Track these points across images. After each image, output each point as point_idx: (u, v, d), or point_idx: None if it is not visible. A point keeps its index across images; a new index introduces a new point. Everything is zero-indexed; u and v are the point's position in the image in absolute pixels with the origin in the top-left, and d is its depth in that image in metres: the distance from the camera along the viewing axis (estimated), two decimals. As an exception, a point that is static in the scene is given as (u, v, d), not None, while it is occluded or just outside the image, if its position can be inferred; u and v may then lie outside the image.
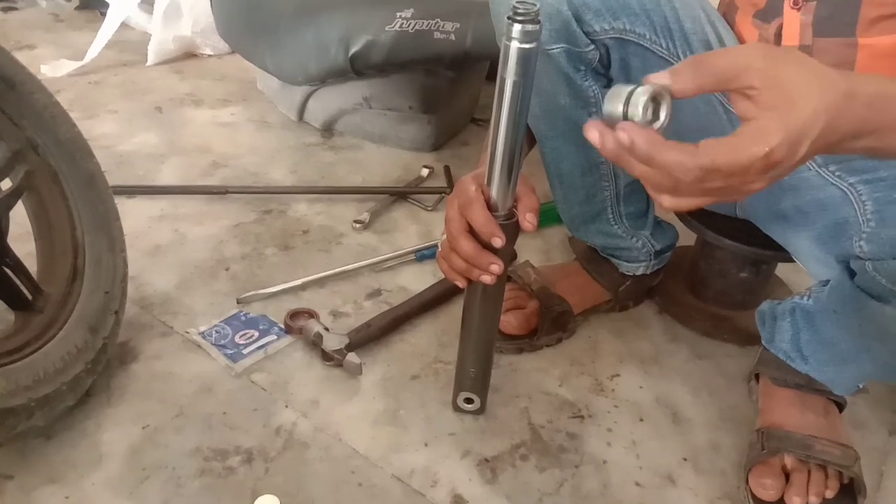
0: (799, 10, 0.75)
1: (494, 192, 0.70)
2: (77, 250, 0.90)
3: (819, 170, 0.76)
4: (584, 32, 0.79)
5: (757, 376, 0.94)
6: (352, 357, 0.95)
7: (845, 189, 0.73)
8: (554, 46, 0.80)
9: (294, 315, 1.03)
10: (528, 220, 0.71)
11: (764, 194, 0.84)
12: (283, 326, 1.02)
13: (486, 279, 0.73)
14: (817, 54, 0.76)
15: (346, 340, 0.97)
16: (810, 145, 0.48)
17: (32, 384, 0.75)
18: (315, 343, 0.98)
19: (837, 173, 0.74)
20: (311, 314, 1.04)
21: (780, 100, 0.47)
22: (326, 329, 0.99)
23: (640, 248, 1.04)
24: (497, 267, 0.72)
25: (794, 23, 0.77)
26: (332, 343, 0.97)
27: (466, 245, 0.72)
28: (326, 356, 0.97)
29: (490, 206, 0.71)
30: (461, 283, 0.77)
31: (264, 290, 1.09)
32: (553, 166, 0.94)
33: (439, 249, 0.77)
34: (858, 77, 0.52)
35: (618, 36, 0.79)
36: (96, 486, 0.79)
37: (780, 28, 0.78)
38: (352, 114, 1.60)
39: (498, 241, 0.70)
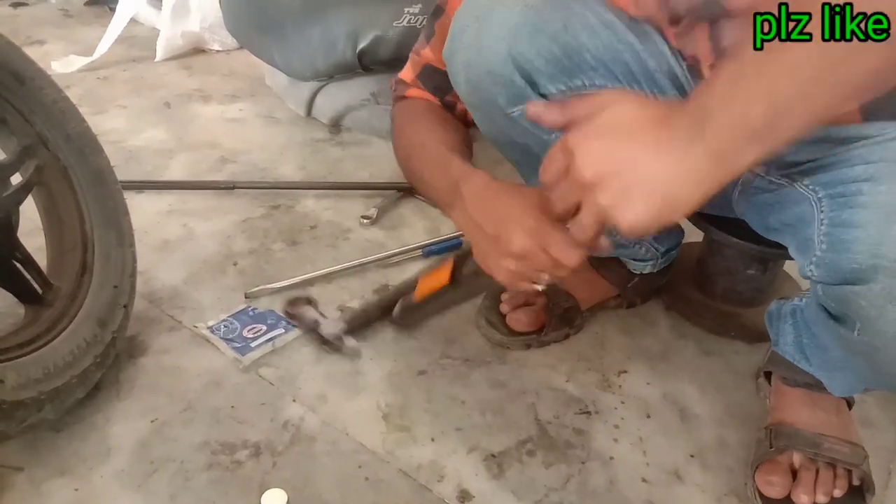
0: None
1: None
2: (86, 245, 0.91)
3: (795, 184, 0.72)
4: (541, 95, 0.76)
5: (767, 375, 0.93)
6: (350, 342, 0.96)
7: (814, 204, 0.68)
8: (514, 109, 0.77)
9: (293, 303, 1.05)
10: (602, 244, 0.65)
11: (752, 210, 0.83)
12: (290, 320, 1.03)
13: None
14: None
15: (344, 326, 0.99)
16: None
17: (42, 377, 0.75)
18: (313, 329, 0.99)
19: (810, 186, 0.69)
20: (310, 301, 1.05)
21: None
22: (324, 315, 1.00)
23: (644, 253, 1.03)
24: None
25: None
26: (330, 329, 0.98)
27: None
28: (324, 342, 0.98)
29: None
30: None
31: (272, 284, 1.09)
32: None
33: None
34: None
35: (577, 93, 0.76)
36: (105, 479, 0.79)
37: None
38: (359, 110, 1.60)
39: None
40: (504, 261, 0.71)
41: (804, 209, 0.70)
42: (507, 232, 0.69)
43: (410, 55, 0.96)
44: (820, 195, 0.68)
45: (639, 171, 0.54)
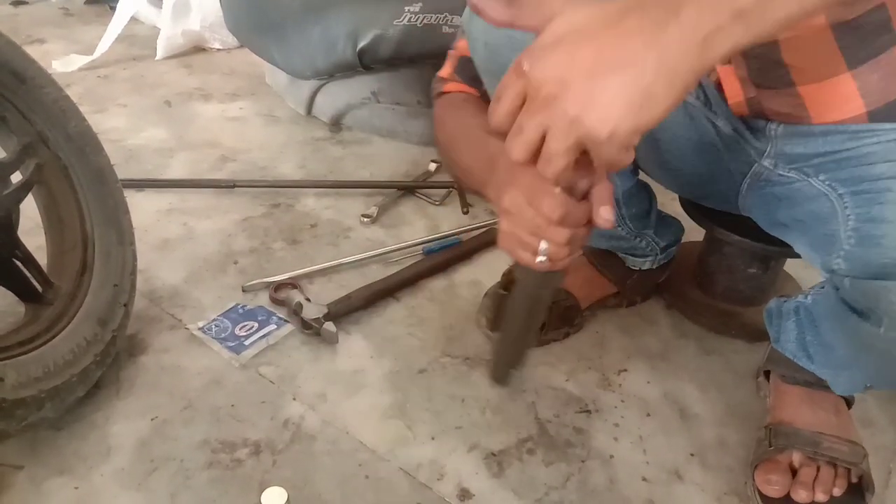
0: (730, 62, 0.74)
1: None
2: (86, 243, 0.91)
3: (810, 179, 0.73)
4: None
5: (766, 373, 0.93)
6: (329, 326, 0.98)
7: (834, 200, 0.68)
8: None
9: (278, 288, 1.07)
10: (602, 214, 0.58)
11: (759, 204, 0.83)
12: (281, 316, 1.04)
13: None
14: (766, 102, 0.75)
15: (325, 310, 1.00)
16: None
17: (42, 376, 0.76)
18: (296, 312, 1.01)
19: (828, 182, 0.70)
20: (294, 285, 1.07)
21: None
22: (308, 299, 1.02)
23: (644, 247, 1.03)
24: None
25: (729, 76, 0.76)
26: (311, 312, 1.00)
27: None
28: (306, 325, 0.99)
29: None
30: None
31: (270, 278, 1.10)
32: None
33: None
34: None
35: None
36: (105, 478, 0.79)
37: (719, 81, 0.77)
38: (360, 108, 1.60)
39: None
40: (500, 222, 0.65)
41: (822, 206, 0.70)
42: (503, 189, 0.63)
43: (448, 53, 0.94)
44: (840, 191, 0.68)
45: (605, 67, 0.46)
